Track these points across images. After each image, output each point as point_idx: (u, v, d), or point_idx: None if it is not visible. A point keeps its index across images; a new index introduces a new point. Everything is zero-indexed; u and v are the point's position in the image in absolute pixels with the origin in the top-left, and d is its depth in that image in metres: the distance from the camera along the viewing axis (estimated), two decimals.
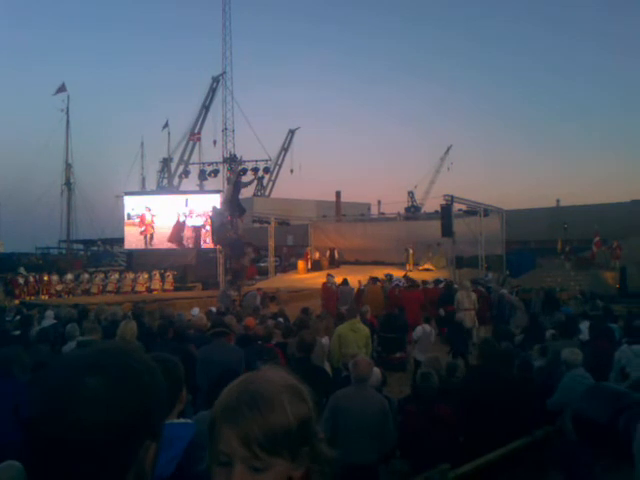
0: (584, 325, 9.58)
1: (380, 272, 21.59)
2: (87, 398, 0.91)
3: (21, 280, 29.40)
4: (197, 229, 32.09)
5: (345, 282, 17.76)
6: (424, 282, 18.49)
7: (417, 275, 22.81)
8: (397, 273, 22.63)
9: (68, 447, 0.88)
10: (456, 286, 17.03)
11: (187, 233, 32.10)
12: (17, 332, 9.31)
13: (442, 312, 14.54)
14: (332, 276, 19.90)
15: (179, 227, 32.11)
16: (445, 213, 24.24)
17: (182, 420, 2.63)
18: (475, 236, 26.51)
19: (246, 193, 33.84)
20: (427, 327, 11.18)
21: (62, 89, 48.45)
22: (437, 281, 18.05)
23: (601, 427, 1.93)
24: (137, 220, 32.72)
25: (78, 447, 0.89)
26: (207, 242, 31.08)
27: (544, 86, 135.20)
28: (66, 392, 0.92)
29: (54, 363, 1.07)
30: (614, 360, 6.91)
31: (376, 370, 6.00)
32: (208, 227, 30.35)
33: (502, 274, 25.65)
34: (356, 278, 19.44)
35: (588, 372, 5.93)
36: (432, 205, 42.43)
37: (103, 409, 0.91)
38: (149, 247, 32.82)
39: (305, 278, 28.87)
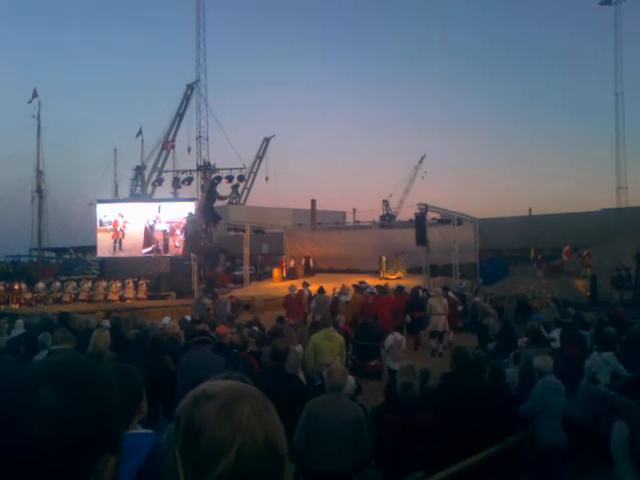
0: (556, 332, 9.71)
1: (354, 280, 21.66)
2: (40, 410, 0.88)
3: None
4: (165, 234, 31.74)
5: (321, 290, 17.75)
6: (395, 289, 18.68)
7: (390, 283, 22.91)
8: (371, 281, 22.74)
9: (21, 461, 0.86)
10: (426, 293, 17.93)
11: (157, 236, 31.69)
12: None
13: (408, 318, 15.60)
14: (307, 284, 19.88)
15: (148, 232, 31.72)
16: (419, 222, 24.43)
17: (142, 430, 2.61)
18: (449, 244, 26.76)
19: (221, 201, 33.60)
20: (398, 335, 11.33)
21: (34, 95, 47.92)
22: (399, 288, 18.19)
23: (586, 429, 1.98)
24: (109, 227, 32.31)
25: (31, 461, 0.86)
26: (177, 246, 30.78)
27: (514, 96, 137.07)
28: (18, 404, 0.89)
29: (9, 374, 1.03)
30: (585, 367, 7.02)
31: (350, 378, 6.00)
32: (178, 232, 30.13)
33: (476, 282, 25.91)
34: (331, 286, 19.44)
35: (559, 379, 6.01)
36: (407, 214, 42.65)
37: (57, 421, 0.88)
38: (119, 252, 32.37)
39: (280, 286, 28.75)
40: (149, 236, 31.56)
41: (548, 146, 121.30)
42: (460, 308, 18.00)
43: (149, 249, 31.87)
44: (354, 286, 18.46)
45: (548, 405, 5.77)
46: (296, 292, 18.46)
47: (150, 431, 2.65)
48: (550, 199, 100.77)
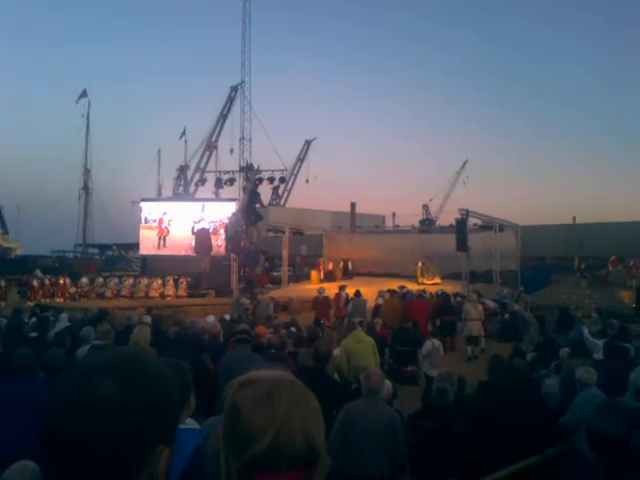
0: (599, 344, 9.47)
1: (393, 284, 21.55)
2: (102, 402, 0.91)
3: (36, 282, 29.67)
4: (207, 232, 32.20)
5: (358, 294, 17.75)
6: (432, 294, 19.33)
7: (428, 289, 22.81)
8: (410, 286, 22.59)
9: (83, 450, 0.89)
10: (459, 298, 18.32)
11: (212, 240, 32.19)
12: (34, 334, 9.40)
13: (437, 322, 16.17)
14: (343, 287, 19.90)
15: (203, 236, 32.13)
16: (460, 227, 24.15)
17: (189, 426, 2.65)
18: (490, 251, 26.37)
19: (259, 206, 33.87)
20: (436, 342, 11.22)
21: (83, 95, 49.13)
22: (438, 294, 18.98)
23: (615, 443, 1.93)
24: (154, 224, 32.89)
25: (93, 450, 0.89)
26: (219, 245, 31.22)
27: (562, 102, 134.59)
28: (81, 396, 0.93)
29: (70, 368, 1.08)
30: (629, 380, 6.83)
31: (387, 382, 5.98)
32: (222, 231, 30.49)
33: (516, 290, 25.49)
34: (370, 290, 19.40)
35: (602, 392, 5.87)
36: (447, 219, 42.24)
37: (118, 413, 0.91)
38: (162, 249, 32.90)
39: (318, 288, 28.83)
40: (205, 240, 32.00)
41: (593, 154, 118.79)
42: (506, 316, 18.06)
43: (189, 253, 32.39)
44: (389, 290, 18.47)
45: (590, 416, 5.64)
46: (324, 295, 18.74)
47: (197, 426, 2.70)
48: (595, 208, 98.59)
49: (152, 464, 0.97)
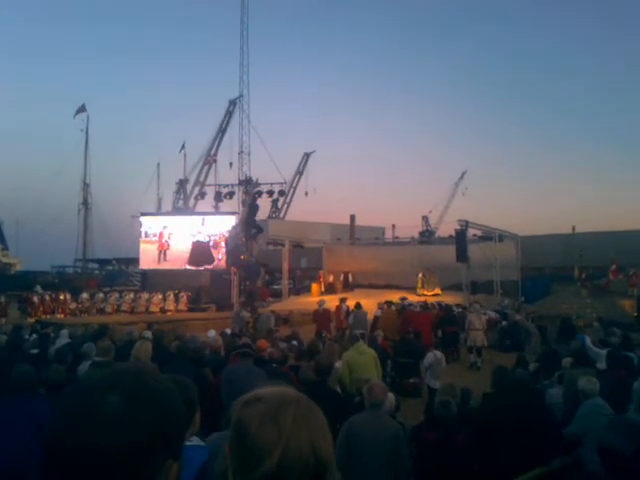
0: (602, 353, 9.44)
1: (394, 296, 21.52)
2: (109, 418, 0.91)
3: (36, 298, 29.63)
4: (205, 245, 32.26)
5: (358, 306, 17.75)
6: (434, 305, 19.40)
7: (428, 300, 22.80)
8: (411, 297, 22.57)
9: (90, 466, 0.88)
10: (460, 309, 18.46)
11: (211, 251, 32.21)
12: (34, 351, 9.37)
13: (440, 333, 16.39)
14: (344, 300, 19.91)
15: (202, 247, 32.16)
16: (460, 238, 24.20)
17: (195, 442, 2.64)
18: (490, 261, 26.39)
19: (261, 215, 33.93)
20: (438, 353, 11.17)
21: (82, 109, 49.35)
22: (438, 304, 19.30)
23: (627, 459, 1.92)
24: (154, 238, 32.90)
25: (100, 467, 0.88)
26: (220, 259, 31.23)
27: (559, 111, 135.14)
28: (85, 412, 0.92)
29: (73, 384, 1.08)
30: (633, 390, 6.80)
31: (390, 395, 5.95)
32: (223, 244, 30.49)
33: (517, 300, 25.48)
34: (370, 302, 19.40)
35: (606, 401, 5.85)
36: (446, 230, 42.28)
37: (126, 428, 0.91)
38: (163, 264, 32.89)
39: (318, 302, 28.81)
40: (203, 252, 32.02)
41: (592, 163, 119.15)
42: (504, 324, 18.34)
43: (209, 266, 32.40)
44: (386, 302, 18.49)
45: (594, 428, 5.62)
46: (324, 307, 18.81)
47: (202, 443, 2.68)
48: (594, 217, 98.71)
49: (162, 478, 0.97)
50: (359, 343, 9.10)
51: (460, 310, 18.19)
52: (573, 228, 44.24)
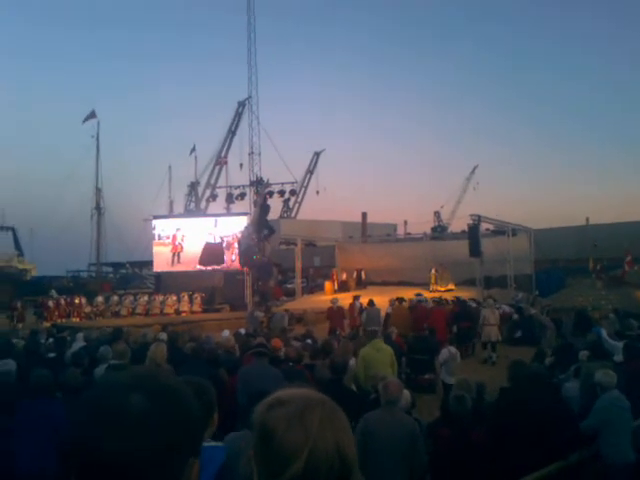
0: (619, 345, 9.35)
1: (407, 293, 21.48)
2: (133, 416, 0.92)
3: (51, 303, 29.87)
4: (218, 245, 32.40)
5: (371, 303, 17.74)
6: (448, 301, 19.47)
7: (441, 295, 22.76)
8: (425, 294, 22.51)
9: (120, 470, 0.89)
10: (474, 304, 18.31)
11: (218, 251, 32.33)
12: (51, 354, 9.45)
13: (455, 329, 16.25)
14: (357, 297, 19.90)
15: (213, 248, 32.31)
16: (472, 233, 24.10)
17: (213, 443, 2.66)
18: (503, 256, 26.24)
19: (273, 215, 33.94)
20: (452, 349, 11.12)
21: (92, 115, 49.60)
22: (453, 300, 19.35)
23: None
24: (167, 241, 33.08)
25: (125, 466, 0.89)
26: (233, 260, 31.32)
27: (572, 104, 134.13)
28: (113, 414, 0.92)
29: (92, 387, 1.09)
30: None
31: (406, 392, 5.94)
32: (236, 245, 30.58)
33: (531, 294, 25.33)
34: (383, 299, 19.36)
35: (623, 394, 5.80)
36: (459, 225, 42.13)
37: (152, 428, 0.92)
38: (177, 266, 33.07)
39: (331, 299, 28.79)
40: (214, 252, 32.17)
41: (604, 154, 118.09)
42: (515, 317, 18.38)
43: (203, 268, 32.54)
44: (397, 298, 18.48)
45: (612, 422, 5.58)
46: (338, 304, 18.81)
47: (221, 444, 2.70)
48: (608, 208, 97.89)
49: (185, 477, 0.98)
50: (377, 340, 9.09)
51: (475, 305, 18.11)
52: (587, 220, 43.98)
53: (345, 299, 20.85)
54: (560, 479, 5.25)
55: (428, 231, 43.67)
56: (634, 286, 25.92)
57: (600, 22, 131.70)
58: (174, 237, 32.89)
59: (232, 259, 31.56)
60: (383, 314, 17.08)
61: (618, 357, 8.39)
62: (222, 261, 32.15)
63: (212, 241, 32.30)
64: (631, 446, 5.67)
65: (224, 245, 32.09)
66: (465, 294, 22.63)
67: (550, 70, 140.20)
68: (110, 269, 59.44)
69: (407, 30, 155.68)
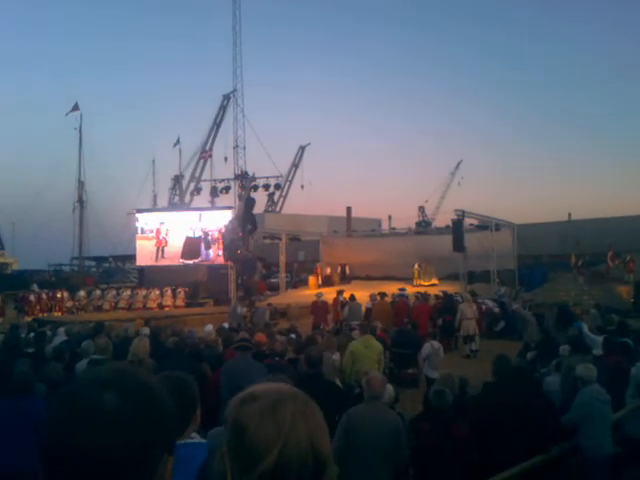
0: (599, 340, 9.45)
1: (391, 287, 21.54)
2: (106, 413, 0.92)
3: (33, 297, 29.60)
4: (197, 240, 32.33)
5: (352, 298, 17.80)
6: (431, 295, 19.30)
7: (425, 290, 22.81)
8: (409, 288, 22.59)
9: (92, 467, 0.89)
10: (458, 298, 18.20)
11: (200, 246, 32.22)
12: (31, 349, 9.34)
13: (440, 322, 16.45)
14: (341, 292, 19.96)
15: (193, 242, 32.20)
16: (456, 228, 24.20)
17: (195, 440, 2.64)
18: (487, 251, 26.40)
19: (257, 209, 33.82)
20: (435, 344, 11.17)
21: (75, 108, 49.01)
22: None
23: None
24: (151, 235, 32.86)
25: (99, 463, 0.89)
26: (219, 255, 31.18)
27: (555, 99, 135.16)
28: (86, 411, 0.92)
29: (69, 384, 1.08)
30: (631, 375, 6.82)
31: (389, 387, 5.95)
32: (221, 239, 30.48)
33: (514, 289, 25.51)
34: (366, 294, 19.41)
35: (603, 387, 5.86)
36: (443, 220, 42.43)
37: (125, 426, 0.92)
38: (161, 260, 32.88)
39: (316, 294, 28.82)
40: (194, 246, 32.06)
41: (587, 149, 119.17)
42: (496, 311, 18.78)
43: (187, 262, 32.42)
44: (379, 293, 18.50)
45: (592, 415, 5.63)
46: (322, 299, 18.87)
47: (204, 441, 2.68)
48: (590, 204, 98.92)
49: (159, 473, 0.98)
50: (368, 336, 9.10)
51: (458, 300, 18.19)
52: (569, 215, 44.36)
53: (329, 294, 20.88)
54: (541, 472, 5.30)
55: (412, 226, 43.81)
56: (616, 281, 26.19)
57: (567, 17, 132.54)
58: (158, 231, 32.68)
59: (219, 254, 31.42)
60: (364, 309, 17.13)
61: (597, 351, 8.48)
62: (199, 255, 32.03)
63: (192, 235, 32.18)
64: (611, 439, 5.74)
65: (209, 239, 31.94)
66: (448, 289, 22.71)
67: (533, 67, 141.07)
68: (93, 263, 58.93)
69: (390, 26, 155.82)
